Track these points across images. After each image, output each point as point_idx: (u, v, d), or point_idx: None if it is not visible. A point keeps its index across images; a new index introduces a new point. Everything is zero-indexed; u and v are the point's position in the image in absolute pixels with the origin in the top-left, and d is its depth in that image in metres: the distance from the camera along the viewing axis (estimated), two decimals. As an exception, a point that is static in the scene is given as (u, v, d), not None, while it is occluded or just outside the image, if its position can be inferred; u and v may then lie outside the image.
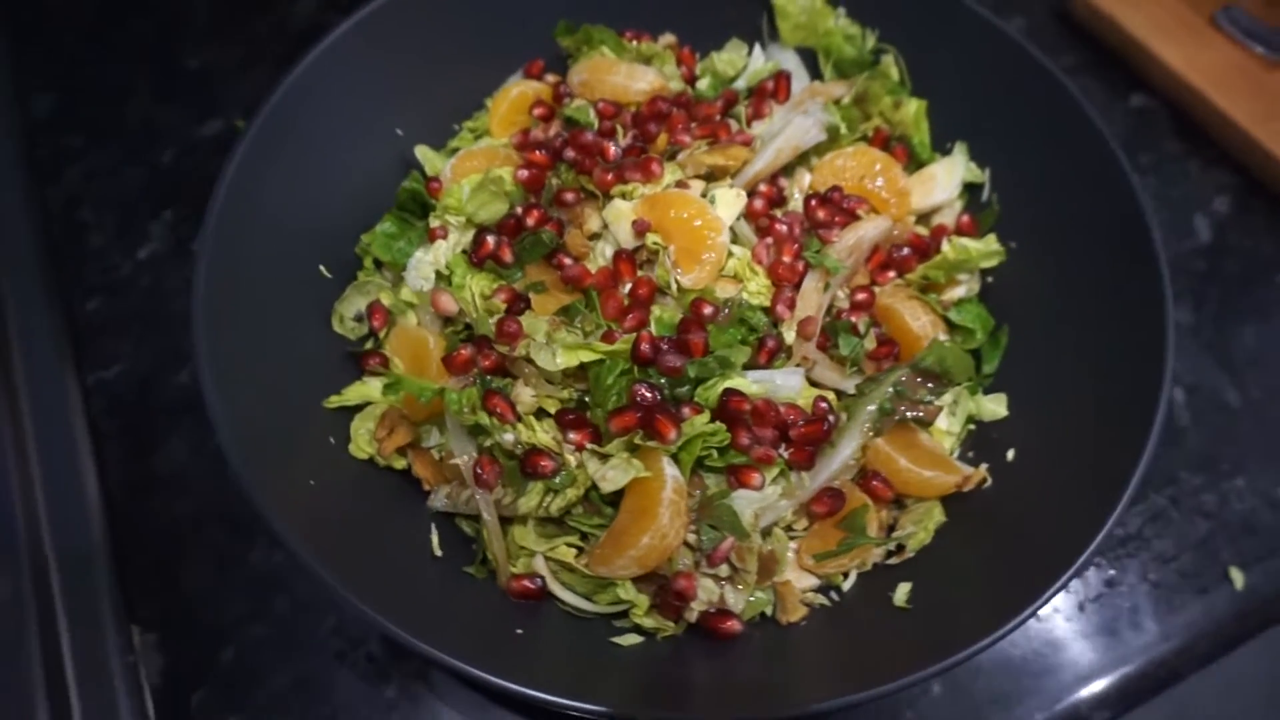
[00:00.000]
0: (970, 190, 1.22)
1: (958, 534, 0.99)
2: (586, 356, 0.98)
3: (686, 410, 0.96)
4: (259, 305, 1.02)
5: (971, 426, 1.09)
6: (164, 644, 1.10)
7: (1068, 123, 1.11)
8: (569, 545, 0.97)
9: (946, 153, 1.23)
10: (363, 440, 1.01)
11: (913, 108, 1.23)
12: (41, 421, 1.23)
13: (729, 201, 1.11)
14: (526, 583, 0.95)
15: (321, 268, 1.11)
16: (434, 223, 1.13)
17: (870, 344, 1.09)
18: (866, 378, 1.05)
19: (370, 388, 1.04)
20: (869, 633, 0.91)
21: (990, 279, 1.17)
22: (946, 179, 1.19)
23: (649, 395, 0.96)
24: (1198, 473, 1.24)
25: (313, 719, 1.05)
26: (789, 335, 1.04)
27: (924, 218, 1.22)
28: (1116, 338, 1.00)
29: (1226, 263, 1.42)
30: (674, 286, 1.05)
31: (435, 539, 0.97)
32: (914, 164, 1.24)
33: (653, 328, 1.04)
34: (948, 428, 1.08)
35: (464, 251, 1.12)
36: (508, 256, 1.10)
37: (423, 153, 1.22)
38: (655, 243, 1.07)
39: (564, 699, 0.76)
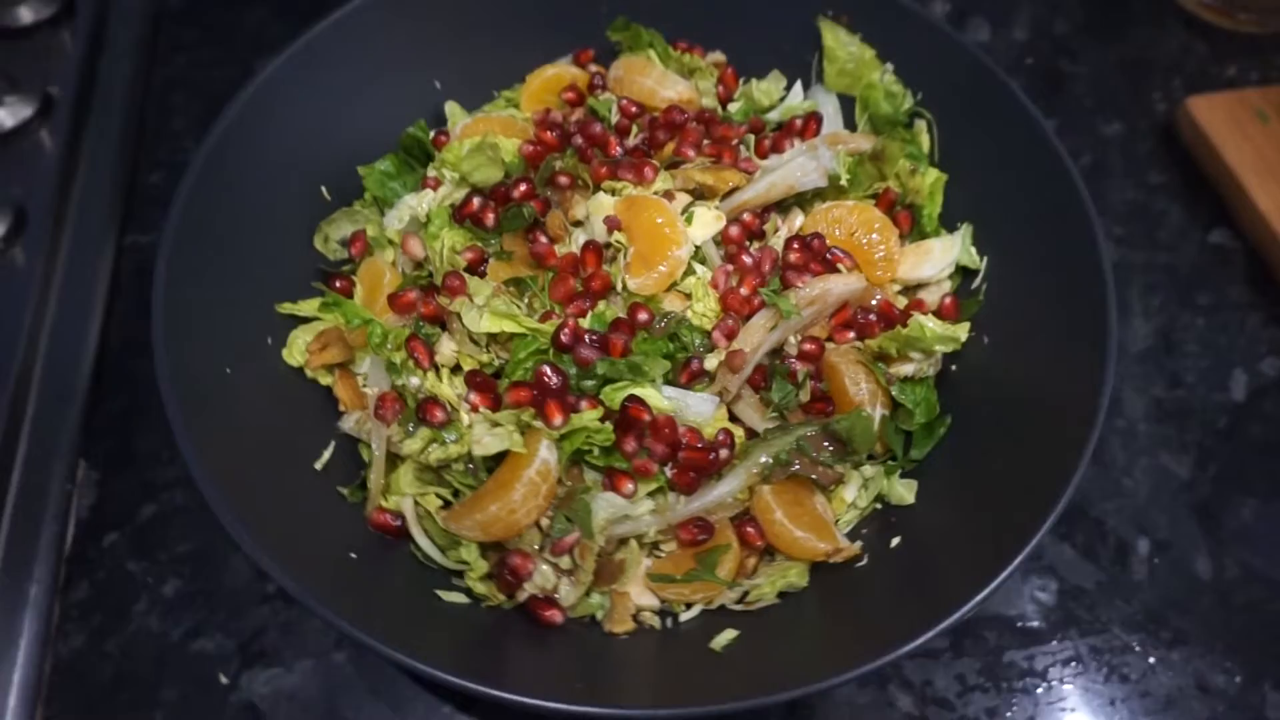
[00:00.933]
0: (965, 275, 1.18)
1: (811, 601, 0.96)
2: (509, 327, 1.02)
3: (584, 404, 0.98)
4: (250, 207, 1.10)
5: (878, 505, 1.06)
6: (102, 483, 1.21)
7: (1073, 240, 1.05)
8: (439, 496, 1.01)
9: (953, 232, 1.20)
10: (297, 349, 1.08)
11: (930, 178, 1.20)
12: (73, 264, 1.37)
13: (706, 221, 1.12)
14: (389, 518, 0.99)
15: (324, 189, 1.19)
16: (431, 173, 1.19)
17: (805, 396, 1.08)
18: (778, 425, 1.04)
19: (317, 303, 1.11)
20: (679, 665, 0.91)
21: (955, 367, 1.13)
22: (941, 256, 1.16)
23: (552, 378, 0.98)
24: (1133, 632, 1.15)
25: (197, 589, 1.13)
26: (712, 361, 1.04)
27: (909, 289, 1.19)
28: (1039, 470, 0.95)
29: (1251, 427, 1.31)
30: (619, 287, 1.07)
31: (326, 456, 1.03)
32: (916, 233, 1.21)
33: (587, 320, 1.06)
34: (853, 499, 1.06)
35: (451, 205, 1.18)
36: (489, 220, 1.15)
37: (452, 108, 1.28)
38: (618, 241, 1.09)
39: (342, 621, 0.80)
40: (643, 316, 1.05)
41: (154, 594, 1.13)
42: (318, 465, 1.01)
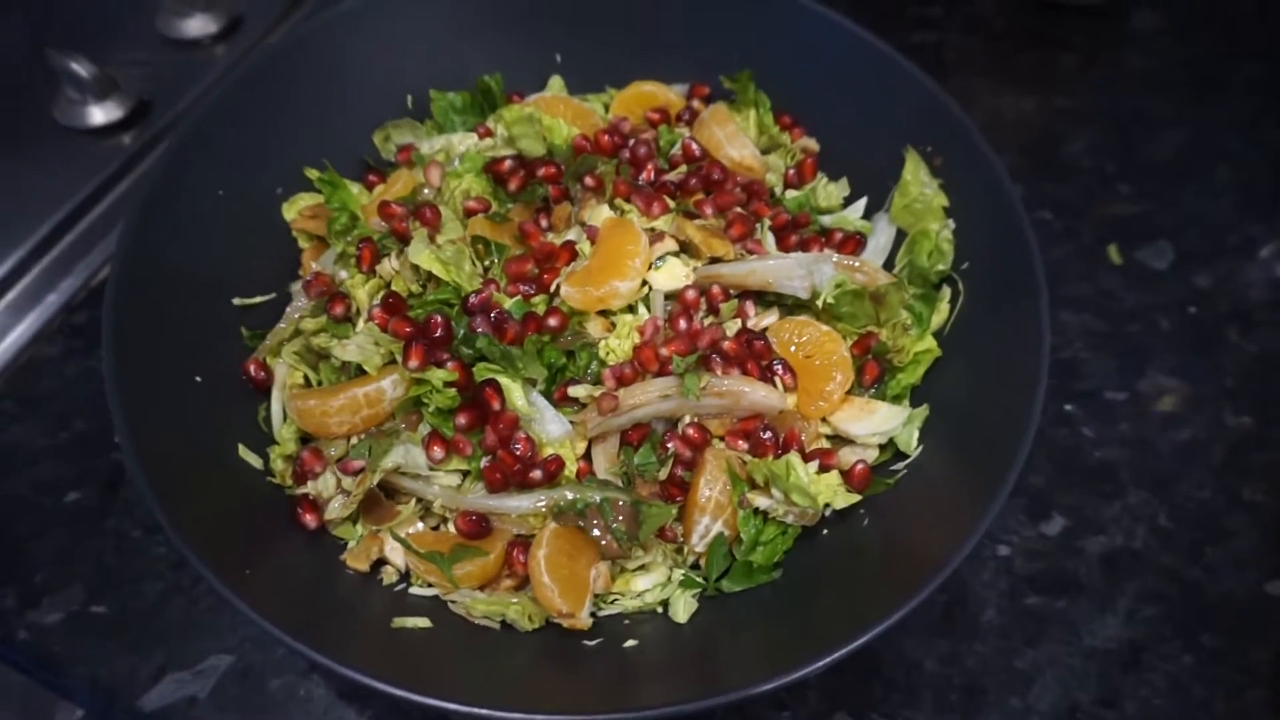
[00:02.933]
0: (895, 452, 1.08)
1: (522, 645, 0.95)
2: (437, 270, 1.08)
3: (450, 364, 1.03)
4: (328, 82, 1.25)
5: (659, 609, 1.02)
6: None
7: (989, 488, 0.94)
8: (305, 378, 1.10)
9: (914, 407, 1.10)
10: (294, 208, 1.21)
11: (921, 346, 1.11)
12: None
13: (673, 274, 1.12)
14: (258, 370, 1.10)
15: (409, 97, 1.32)
16: (488, 122, 1.28)
17: (663, 474, 1.05)
18: (604, 479, 1.02)
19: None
20: (365, 616, 0.94)
21: (826, 532, 1.05)
22: (881, 423, 1.07)
23: (436, 327, 1.04)
24: None
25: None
26: (579, 390, 1.04)
27: (836, 439, 1.11)
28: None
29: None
30: (554, 289, 1.10)
31: (256, 300, 1.15)
32: (880, 391, 1.12)
33: (510, 303, 1.10)
34: (641, 590, 1.02)
35: (490, 158, 1.26)
36: (513, 185, 1.22)
37: (555, 83, 1.36)
38: (581, 250, 1.12)
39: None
40: (553, 322, 1.07)
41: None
42: (239, 301, 1.14)
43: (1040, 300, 1.03)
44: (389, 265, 1.13)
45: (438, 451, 1.00)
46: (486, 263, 1.15)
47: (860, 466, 1.06)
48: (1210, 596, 1.21)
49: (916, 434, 1.07)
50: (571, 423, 1.05)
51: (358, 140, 1.30)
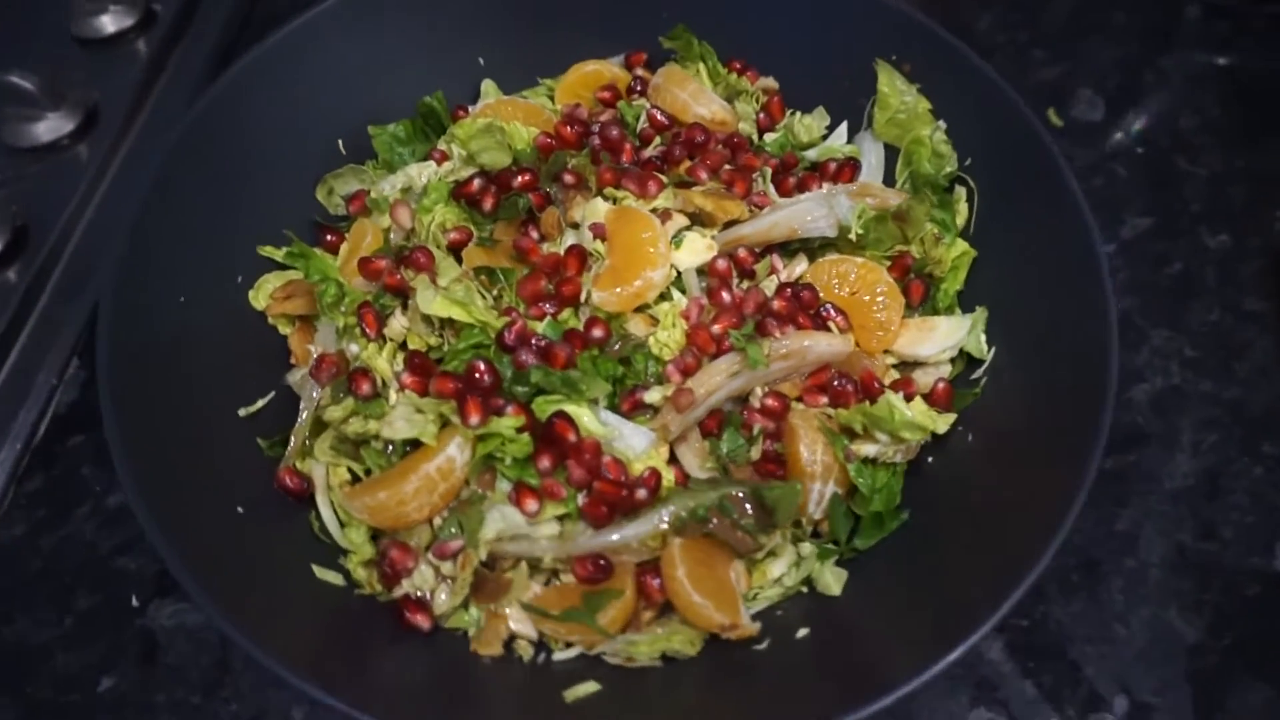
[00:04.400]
0: (970, 364, 1.07)
1: (694, 673, 0.89)
2: (458, 314, 0.99)
3: (509, 408, 0.94)
4: (259, 142, 1.12)
5: (804, 589, 0.97)
6: (87, 385, 1.25)
7: (1088, 354, 0.93)
8: (351, 471, 0.99)
9: (970, 312, 1.09)
10: (265, 292, 1.08)
11: (956, 251, 1.09)
12: (128, 168, 1.42)
13: (695, 249, 1.06)
14: (295, 480, 0.98)
15: (340, 142, 1.20)
16: (441, 145, 1.17)
17: (756, 454, 1.00)
18: (709, 478, 0.96)
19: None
20: (525, 707, 0.85)
21: (931, 459, 1.02)
22: (946, 337, 1.05)
23: (483, 375, 0.95)
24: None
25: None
26: (654, 395, 0.97)
27: (905, 365, 1.09)
28: (986, 582, 0.84)
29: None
30: (583, 298, 1.02)
31: (260, 404, 1.03)
32: (928, 308, 1.10)
33: (543, 325, 1.02)
34: (779, 576, 0.97)
35: (454, 182, 1.16)
36: (487, 205, 1.12)
37: (487, 87, 1.26)
38: (596, 250, 1.05)
39: (203, 596, 0.79)
40: (597, 333, 0.99)
41: (99, 503, 1.16)
42: (244, 411, 1.01)
43: (1063, 173, 1.03)
44: (397, 324, 1.03)
45: (531, 504, 0.92)
46: (495, 292, 1.06)
47: (941, 385, 1.04)
48: (1254, 409, 1.26)
49: (983, 336, 1.05)
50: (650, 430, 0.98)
51: (299, 202, 1.17)
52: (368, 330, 1.01)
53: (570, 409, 0.95)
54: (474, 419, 0.91)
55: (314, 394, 1.00)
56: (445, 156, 1.17)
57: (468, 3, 1.24)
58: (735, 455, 1.00)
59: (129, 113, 1.47)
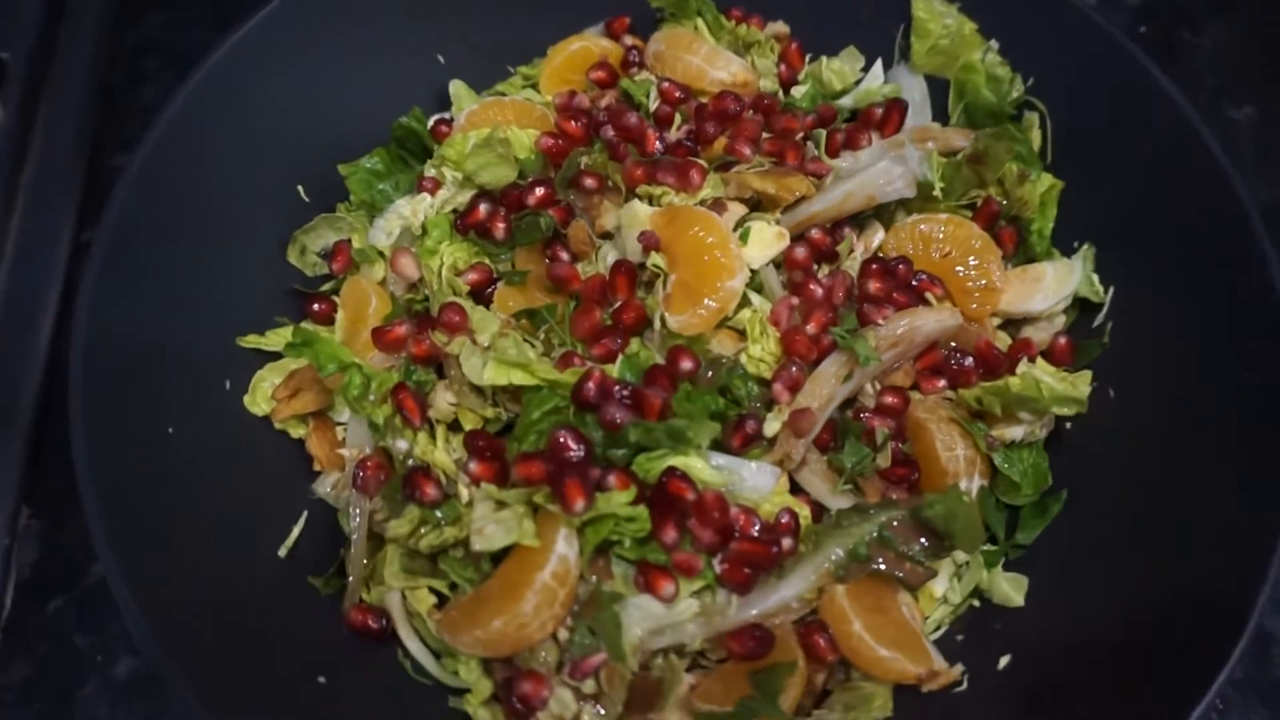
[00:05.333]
0: (1084, 309, 0.96)
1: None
2: (519, 379, 0.82)
3: (612, 479, 0.78)
4: (206, 212, 0.90)
5: (975, 602, 0.86)
6: (46, 535, 1.03)
7: (1233, 266, 0.83)
8: (432, 591, 0.81)
9: (1068, 253, 0.97)
10: (263, 394, 0.88)
11: (1043, 186, 0.97)
12: (20, 266, 1.18)
13: (765, 240, 0.91)
14: (370, 618, 0.80)
15: (300, 189, 0.99)
16: (429, 171, 0.98)
17: (884, 461, 0.87)
18: (854, 505, 0.83)
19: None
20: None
21: (1069, 425, 0.91)
22: (1056, 285, 0.94)
23: (573, 448, 0.78)
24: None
25: (154, 671, 0.95)
26: (773, 425, 0.83)
27: (1011, 325, 0.97)
28: (1214, 566, 0.74)
29: None
30: (657, 325, 0.86)
31: (295, 533, 0.84)
32: (1022, 255, 0.98)
33: (617, 366, 0.86)
34: (944, 592, 0.85)
35: (453, 212, 0.97)
36: (499, 232, 0.94)
37: (458, 89, 1.06)
38: (656, 265, 0.88)
39: None
40: (686, 365, 0.84)
41: (104, 676, 0.95)
42: (283, 550, 0.82)
43: (1152, 75, 0.91)
44: (442, 401, 0.85)
45: (667, 587, 0.77)
46: (542, 335, 0.89)
47: (1061, 341, 0.93)
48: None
49: (1095, 276, 0.94)
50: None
51: (269, 271, 0.96)
52: (410, 419, 0.83)
53: (679, 462, 0.80)
54: (579, 504, 0.75)
55: (360, 508, 0.82)
56: (437, 184, 0.97)
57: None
58: (862, 468, 0.87)
59: None
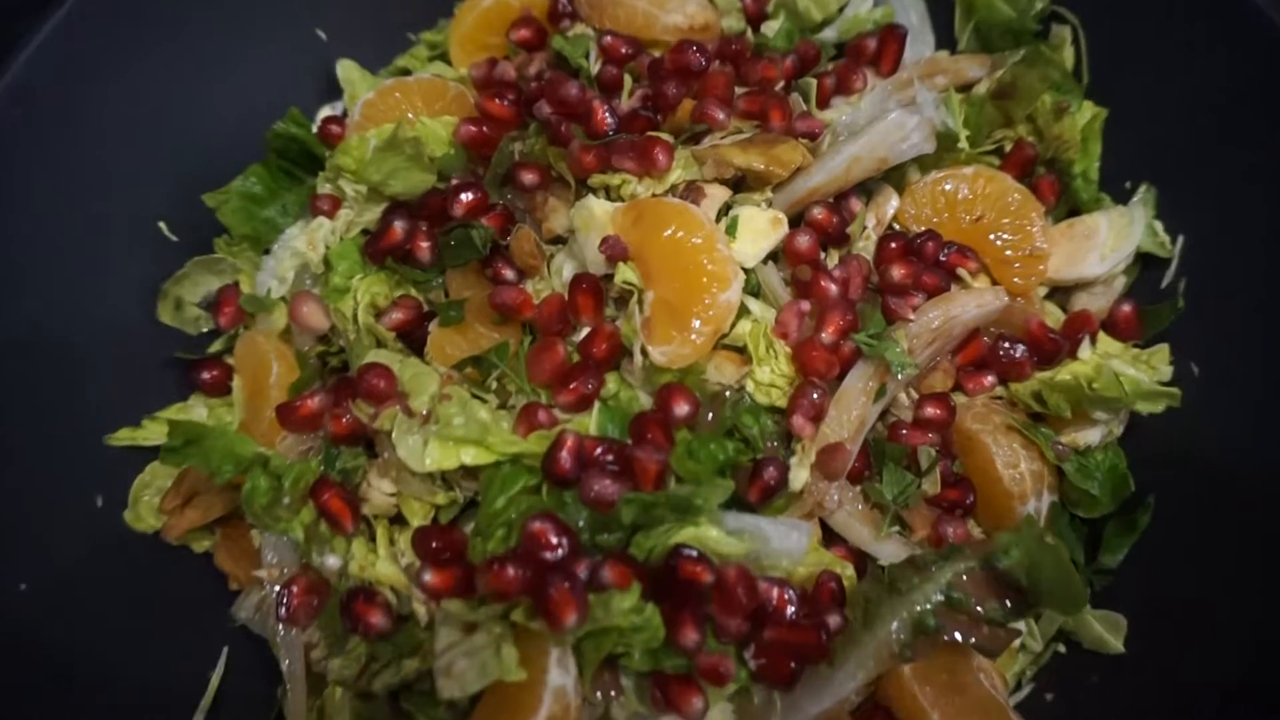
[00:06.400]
0: (1146, 264, 0.79)
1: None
2: (474, 458, 0.64)
3: (607, 573, 0.61)
4: (34, 273, 0.69)
5: (1061, 648, 0.71)
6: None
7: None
8: (400, 735, 0.65)
9: (1121, 199, 0.80)
10: (146, 508, 0.69)
11: (1085, 118, 0.79)
12: None
13: (758, 230, 0.72)
14: (323, 782, 0.63)
15: (163, 225, 0.77)
16: (322, 187, 0.77)
17: (932, 487, 0.71)
18: (909, 559, 0.67)
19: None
20: None
21: (1145, 412, 0.75)
22: (1113, 240, 0.77)
23: (553, 543, 0.61)
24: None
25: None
26: (800, 474, 0.66)
27: (1059, 290, 0.80)
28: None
29: None
30: (637, 356, 0.68)
31: (214, 683, 0.66)
32: (1065, 206, 0.81)
33: (594, 418, 0.68)
34: (1020, 639, 0.70)
35: (363, 233, 0.77)
36: (423, 254, 0.75)
37: (347, 71, 0.85)
38: (628, 282, 0.69)
39: None
40: (682, 409, 0.66)
41: None
42: (200, 716, 0.64)
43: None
44: (377, 494, 0.67)
45: (694, 703, 0.61)
46: (490, 383, 0.71)
47: (1126, 308, 0.76)
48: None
49: (1159, 225, 0.77)
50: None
51: (139, 336, 0.76)
52: (340, 523, 0.65)
53: (689, 535, 0.63)
54: (570, 620, 0.58)
55: (291, 646, 0.64)
56: (336, 201, 0.76)
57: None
58: (908, 498, 0.71)
59: None
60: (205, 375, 0.76)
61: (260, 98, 0.81)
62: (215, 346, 0.78)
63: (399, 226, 0.75)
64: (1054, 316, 0.78)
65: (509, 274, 0.75)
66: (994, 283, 0.77)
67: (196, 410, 0.74)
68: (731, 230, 0.72)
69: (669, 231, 0.69)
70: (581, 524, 0.63)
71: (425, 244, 0.75)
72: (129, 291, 0.75)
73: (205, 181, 0.78)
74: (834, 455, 0.67)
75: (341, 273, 0.74)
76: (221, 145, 0.80)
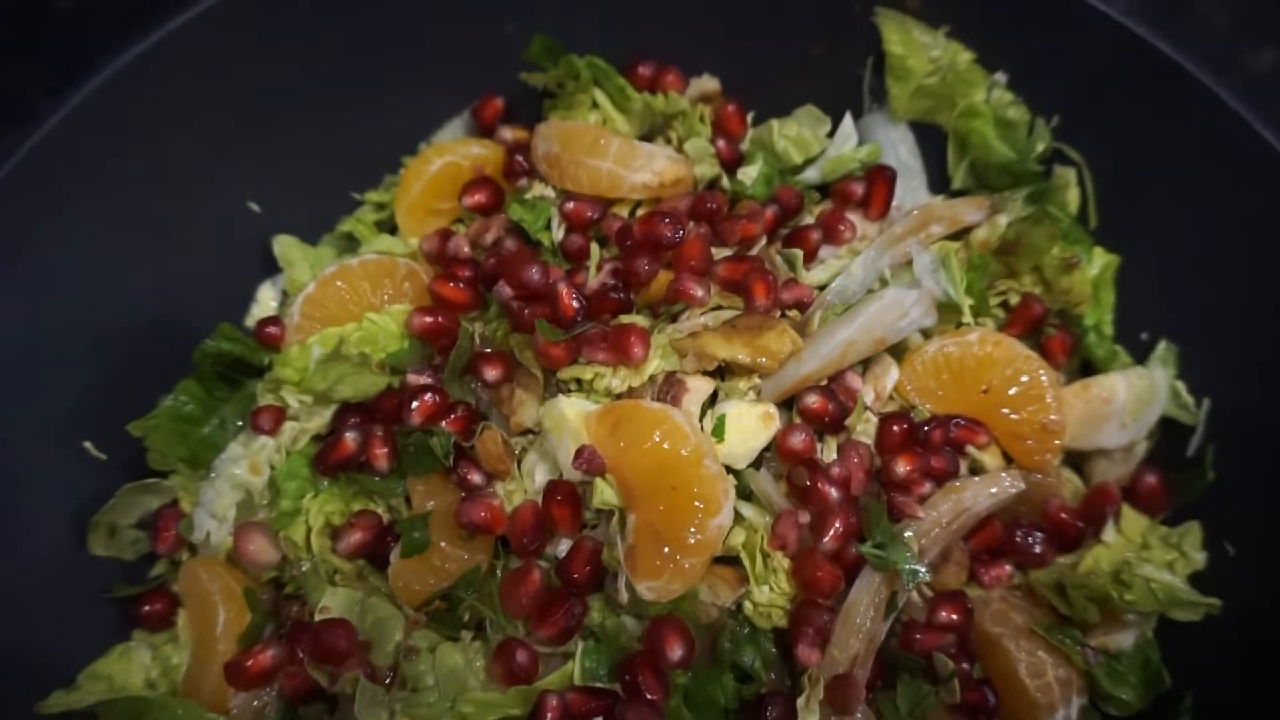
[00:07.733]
0: (1167, 429, 0.73)
1: None
2: (449, 734, 0.57)
3: None
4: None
5: None
6: None
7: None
8: None
9: (1137, 350, 0.74)
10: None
11: (1095, 269, 0.73)
12: None
13: (748, 428, 0.66)
14: None
15: (89, 444, 0.70)
16: (262, 399, 0.69)
17: (950, 696, 0.65)
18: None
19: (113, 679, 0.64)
20: None
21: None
22: (1134, 407, 0.71)
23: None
24: None
25: None
26: (809, 717, 0.59)
27: (1080, 458, 0.74)
28: None
29: None
30: (622, 584, 0.62)
31: None
32: (1075, 361, 0.75)
33: (578, 661, 0.61)
34: None
35: (314, 439, 0.70)
36: (381, 461, 0.68)
37: (285, 249, 0.77)
38: (605, 503, 0.63)
39: None
40: (677, 652, 0.60)
41: None
42: None
43: (1223, 101, 0.66)
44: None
45: None
46: (464, 615, 0.64)
47: (1150, 479, 0.70)
48: None
49: (1182, 386, 0.71)
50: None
51: (75, 577, 0.68)
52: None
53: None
54: None
55: None
56: (279, 414, 0.69)
57: (204, 120, 0.72)
58: (923, 709, 0.65)
59: None
60: (146, 609, 0.69)
61: (185, 289, 0.73)
62: (157, 570, 0.71)
63: (350, 438, 0.68)
64: (1072, 485, 0.72)
65: (476, 478, 0.68)
66: (1006, 457, 0.71)
67: (139, 653, 0.67)
68: (719, 431, 0.65)
69: (650, 442, 0.63)
70: (570, 801, 0.57)
71: (382, 450, 0.68)
72: (55, 523, 0.68)
73: (134, 391, 0.71)
74: (845, 689, 0.61)
75: (290, 494, 0.67)
76: (148, 349, 0.72)
